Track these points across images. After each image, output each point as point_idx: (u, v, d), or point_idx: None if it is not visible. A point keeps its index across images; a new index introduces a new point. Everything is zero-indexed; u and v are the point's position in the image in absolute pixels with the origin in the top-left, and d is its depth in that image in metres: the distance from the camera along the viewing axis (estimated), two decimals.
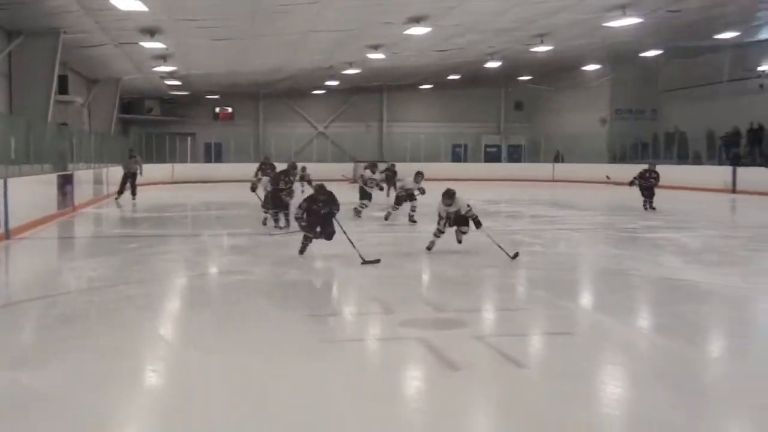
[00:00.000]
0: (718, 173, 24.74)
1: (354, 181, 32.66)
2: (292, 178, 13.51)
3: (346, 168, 31.55)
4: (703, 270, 9.13)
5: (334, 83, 33.70)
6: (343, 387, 4.58)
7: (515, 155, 38.49)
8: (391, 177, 21.00)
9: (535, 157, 36.49)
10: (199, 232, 13.82)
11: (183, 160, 35.18)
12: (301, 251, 9.74)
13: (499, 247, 9.40)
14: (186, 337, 6.02)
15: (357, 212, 15.08)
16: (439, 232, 10.10)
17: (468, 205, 9.80)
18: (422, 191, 14.03)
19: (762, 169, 23.28)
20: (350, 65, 28.11)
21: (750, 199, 21.59)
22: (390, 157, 35.51)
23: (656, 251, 10.83)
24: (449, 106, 38.35)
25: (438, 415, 4.18)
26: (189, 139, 37.29)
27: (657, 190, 17.28)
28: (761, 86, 26.55)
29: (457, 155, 38.49)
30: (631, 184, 17.34)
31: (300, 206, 9.59)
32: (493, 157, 38.53)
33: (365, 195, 15.51)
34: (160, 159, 33.52)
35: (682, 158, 29.08)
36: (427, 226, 11.29)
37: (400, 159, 33.30)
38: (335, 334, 6.01)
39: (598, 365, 5.16)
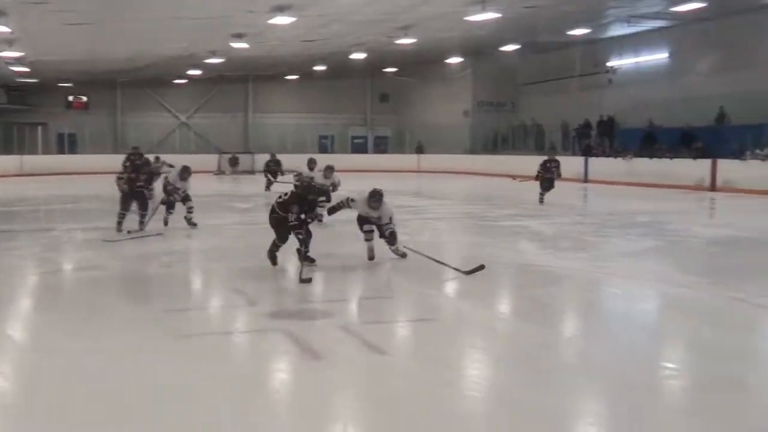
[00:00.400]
0: (572, 163, 25.95)
1: (221, 172, 32.07)
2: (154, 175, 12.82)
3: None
4: (556, 255, 9.53)
5: (197, 72, 32.79)
6: (204, 382, 4.43)
7: (381, 146, 38.95)
8: (274, 169, 20.53)
9: (400, 148, 37.07)
10: (51, 227, 13.06)
11: (33, 152, 33.22)
12: (274, 259, 8.02)
13: (439, 262, 8.09)
14: (34, 337, 5.67)
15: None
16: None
17: (390, 218, 8.45)
18: (335, 187, 12.66)
19: (611, 159, 24.64)
20: (213, 54, 27.45)
21: (600, 187, 22.81)
22: (256, 148, 35.04)
23: (514, 238, 11.24)
24: (316, 97, 38.18)
25: (301, 405, 4.13)
26: (40, 129, 35.20)
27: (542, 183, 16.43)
28: (610, 81, 28.11)
29: (324, 146, 38.44)
30: (537, 178, 16.63)
31: (290, 210, 7.73)
32: (359, 148, 38.78)
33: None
34: (8, 150, 31.54)
35: (539, 149, 30.32)
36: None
37: (266, 150, 32.89)
38: (195, 328, 5.80)
39: (460, 349, 5.26)
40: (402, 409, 4.01)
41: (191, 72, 32.76)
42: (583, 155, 26.17)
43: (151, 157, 20.78)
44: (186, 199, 11.70)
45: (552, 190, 16.33)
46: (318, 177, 12.94)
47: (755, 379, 4.58)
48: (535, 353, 5.11)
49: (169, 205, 11.80)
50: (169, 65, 30.47)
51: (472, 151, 33.66)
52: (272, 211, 8.00)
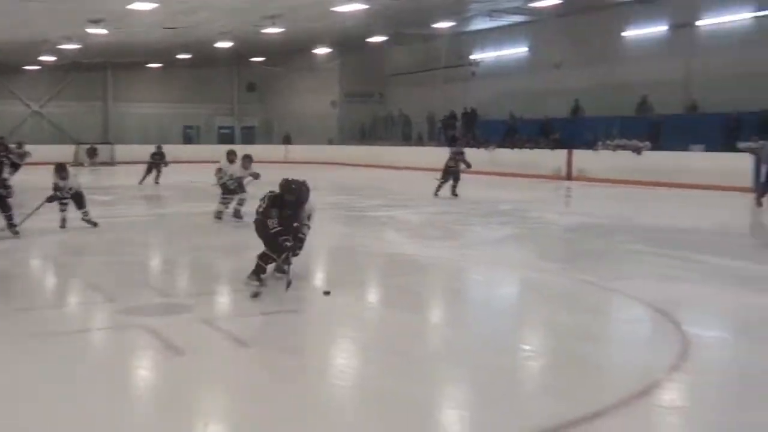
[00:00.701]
0: (438, 154, 26.50)
1: (78, 164, 30.54)
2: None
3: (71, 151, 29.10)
4: (423, 244, 9.72)
5: (51, 58, 31.05)
6: (61, 382, 4.21)
7: (248, 137, 38.35)
8: (159, 161, 19.52)
9: (268, 138, 36.66)
10: None
11: None
12: (258, 275, 6.61)
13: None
14: None
15: (216, 211, 11.70)
16: (225, 199, 8.98)
17: (309, 217, 6.94)
18: (256, 176, 11.60)
19: (474, 149, 25.34)
20: (69, 40, 26.10)
21: (464, 177, 23.36)
22: (117, 138, 33.66)
23: (381, 228, 11.36)
24: (180, 86, 37.07)
25: (163, 402, 4.01)
26: None
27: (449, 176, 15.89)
28: (473, 73, 28.94)
29: (189, 136, 37.48)
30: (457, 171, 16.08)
31: (268, 215, 6.54)
32: (226, 138, 37.99)
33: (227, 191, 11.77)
34: None
35: (407, 140, 30.87)
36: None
37: (128, 140, 31.74)
38: (51, 326, 5.49)
39: (327, 340, 5.26)
40: (268, 401, 3.97)
41: (44, 58, 31.00)
42: (448, 146, 26.76)
43: (13, 145, 19.60)
44: (79, 199, 10.67)
45: (447, 182, 15.92)
46: (236, 169, 11.77)
47: (603, 358, 4.85)
48: (402, 341, 5.18)
49: (58, 200, 10.71)
50: (19, 51, 28.71)
51: (340, 141, 33.80)
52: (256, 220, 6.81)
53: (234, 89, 39.16)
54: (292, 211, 6.60)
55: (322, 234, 11.05)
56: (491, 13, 24.51)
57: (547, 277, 7.51)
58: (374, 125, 33.59)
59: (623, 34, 23.58)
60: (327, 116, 34.26)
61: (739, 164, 17.01)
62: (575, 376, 4.45)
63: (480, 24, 26.93)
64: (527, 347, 5.22)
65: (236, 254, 8.71)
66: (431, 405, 4.06)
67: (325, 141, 33.46)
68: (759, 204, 13.67)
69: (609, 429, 3.69)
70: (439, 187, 15.87)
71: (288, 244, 6.45)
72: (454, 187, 15.90)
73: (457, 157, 16.14)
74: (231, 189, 11.59)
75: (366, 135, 33.37)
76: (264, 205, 6.65)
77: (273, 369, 4.53)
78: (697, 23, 21.83)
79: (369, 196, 16.72)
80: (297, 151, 33.58)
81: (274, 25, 23.67)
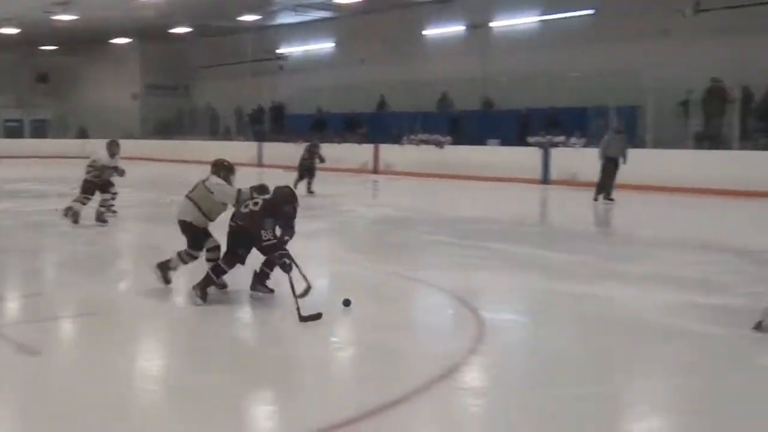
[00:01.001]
0: (247, 148, 26.24)
1: None
2: None
3: None
4: None
5: None
6: None
7: (40, 130, 35.76)
8: None
9: (63, 133, 34.43)
10: None
11: None
12: (204, 289, 5.93)
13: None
14: None
15: (72, 211, 10.09)
16: (86, 199, 8.79)
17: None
18: (120, 172, 10.39)
19: (283, 144, 25.31)
20: None
21: (275, 172, 23.30)
22: None
23: None
24: None
25: None
26: None
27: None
28: (281, 67, 28.89)
29: None
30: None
31: (265, 227, 5.67)
32: (14, 132, 35.19)
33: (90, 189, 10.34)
34: None
35: (214, 134, 30.23)
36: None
37: None
38: None
39: (128, 341, 5.02)
40: (59, 412, 3.70)
41: None
42: (256, 140, 26.56)
43: None
44: None
45: (304, 178, 15.28)
46: (103, 156, 10.31)
47: (407, 345, 4.99)
48: (209, 338, 5.09)
49: None
50: None
51: (142, 135, 32.46)
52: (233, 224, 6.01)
53: (22, 79, 36.25)
54: (285, 222, 5.89)
55: (123, 231, 10.60)
56: (296, 8, 24.57)
57: (355, 269, 7.65)
58: (179, 119, 32.59)
59: (424, 32, 24.51)
60: (128, 109, 32.75)
61: (530, 158, 18.28)
62: (381, 364, 4.56)
63: (286, 18, 26.91)
64: (335, 339, 5.28)
65: (32, 257, 8.15)
66: (240, 399, 3.99)
67: (125, 135, 31.93)
68: (595, 199, 14.08)
69: (413, 412, 3.81)
70: (296, 183, 14.91)
71: (288, 261, 5.63)
72: (309, 183, 15.26)
73: (312, 150, 15.53)
74: (90, 182, 10.20)
75: (171, 129, 32.28)
76: (257, 211, 5.78)
77: (65, 376, 4.26)
78: (491, 24, 23.13)
79: (173, 192, 16.14)
80: (96, 145, 31.74)
81: (65, 11, 22.26)
